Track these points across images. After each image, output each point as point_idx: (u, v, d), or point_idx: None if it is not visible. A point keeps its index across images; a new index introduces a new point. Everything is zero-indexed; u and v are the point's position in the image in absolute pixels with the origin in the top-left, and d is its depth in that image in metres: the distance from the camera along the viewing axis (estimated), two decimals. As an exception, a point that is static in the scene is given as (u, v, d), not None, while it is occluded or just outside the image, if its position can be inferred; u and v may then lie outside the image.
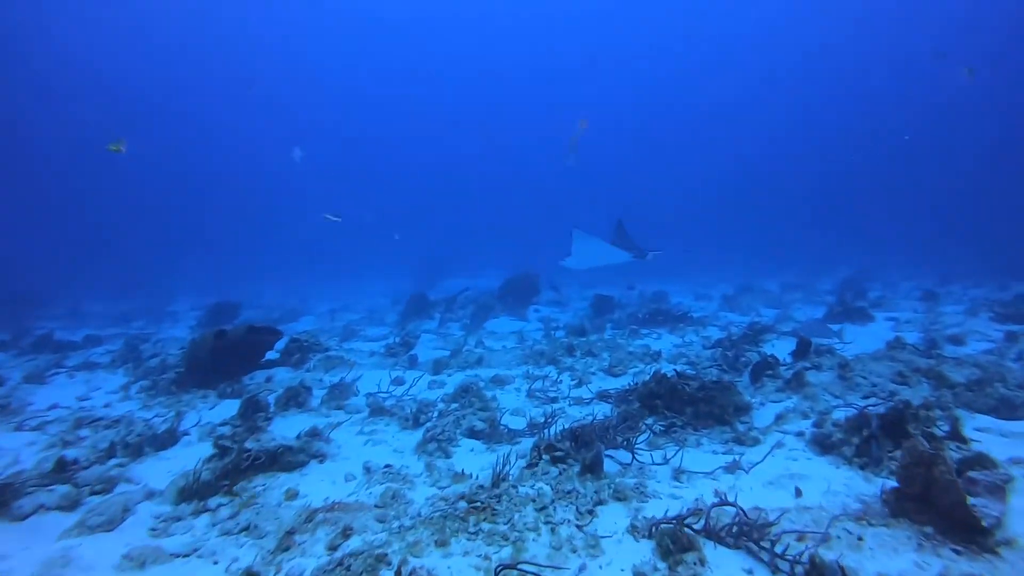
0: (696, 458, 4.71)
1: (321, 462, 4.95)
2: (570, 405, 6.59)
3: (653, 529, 3.14)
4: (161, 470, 4.92)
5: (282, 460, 4.66)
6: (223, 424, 6.04)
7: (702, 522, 3.17)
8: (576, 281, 28.81)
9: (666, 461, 4.49)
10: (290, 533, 3.40)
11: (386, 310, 18.50)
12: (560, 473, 4.13)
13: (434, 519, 3.25)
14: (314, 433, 5.40)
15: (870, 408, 4.84)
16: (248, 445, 4.62)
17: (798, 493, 3.83)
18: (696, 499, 3.73)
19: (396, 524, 3.39)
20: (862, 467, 4.20)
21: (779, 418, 5.53)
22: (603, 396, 6.74)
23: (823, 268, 29.26)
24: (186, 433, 5.83)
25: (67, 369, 9.09)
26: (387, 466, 4.68)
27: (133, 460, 5.21)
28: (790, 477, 4.11)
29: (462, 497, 3.51)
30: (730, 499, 3.57)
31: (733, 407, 5.71)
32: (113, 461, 5.16)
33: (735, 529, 3.07)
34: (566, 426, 5.13)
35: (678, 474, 4.29)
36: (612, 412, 6.13)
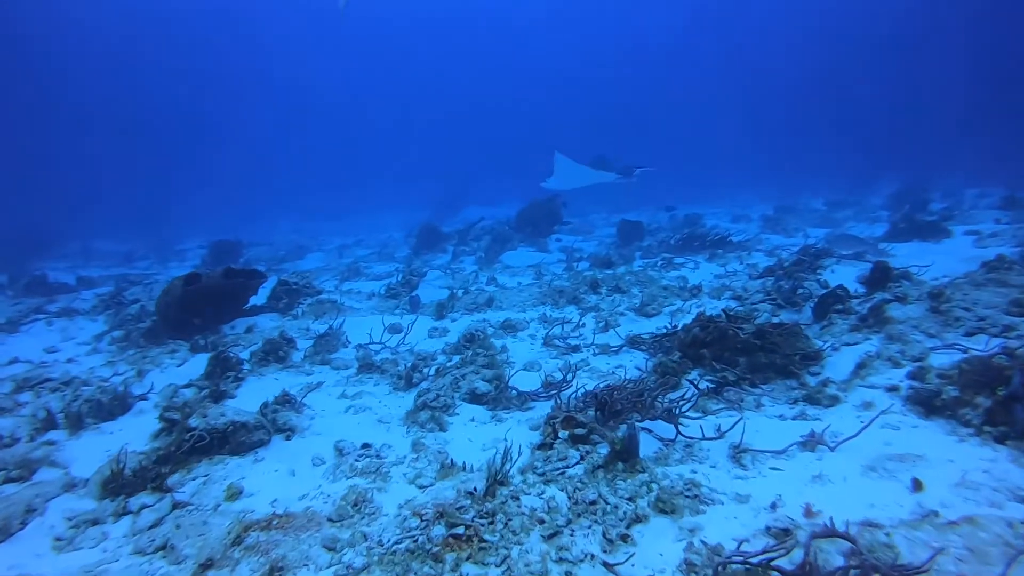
0: (760, 427, 3.66)
1: (288, 438, 4.04)
2: (595, 355, 5.55)
3: (720, 570, 2.11)
4: (98, 449, 4.08)
5: (235, 439, 3.74)
6: (188, 386, 5.17)
7: (794, 556, 2.13)
8: (603, 206, 27.37)
9: (721, 435, 3.45)
10: (205, 566, 2.47)
11: (398, 244, 17.49)
12: (582, 458, 3.12)
13: (397, 556, 2.27)
14: (285, 399, 4.48)
15: (984, 352, 3.67)
16: (192, 422, 3.69)
17: (917, 486, 2.76)
18: (773, 503, 2.69)
19: (347, 557, 2.42)
20: (1001, 440, 3.08)
21: (860, 367, 4.40)
22: (635, 342, 5.66)
23: (868, 183, 27.16)
24: (143, 397, 4.96)
25: (47, 315, 8.34)
26: (364, 446, 3.74)
27: (71, 435, 4.36)
28: (898, 459, 3.04)
29: (441, 515, 2.51)
30: (816, 503, 2.53)
31: (799, 354, 4.60)
32: (47, 436, 4.32)
33: None
34: (589, 388, 4.11)
35: (738, 454, 3.26)
36: (646, 364, 5.06)
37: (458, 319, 6.92)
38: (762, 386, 4.41)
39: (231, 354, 5.40)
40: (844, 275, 7.49)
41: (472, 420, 4.24)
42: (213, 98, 65.92)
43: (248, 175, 55.56)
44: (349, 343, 6.26)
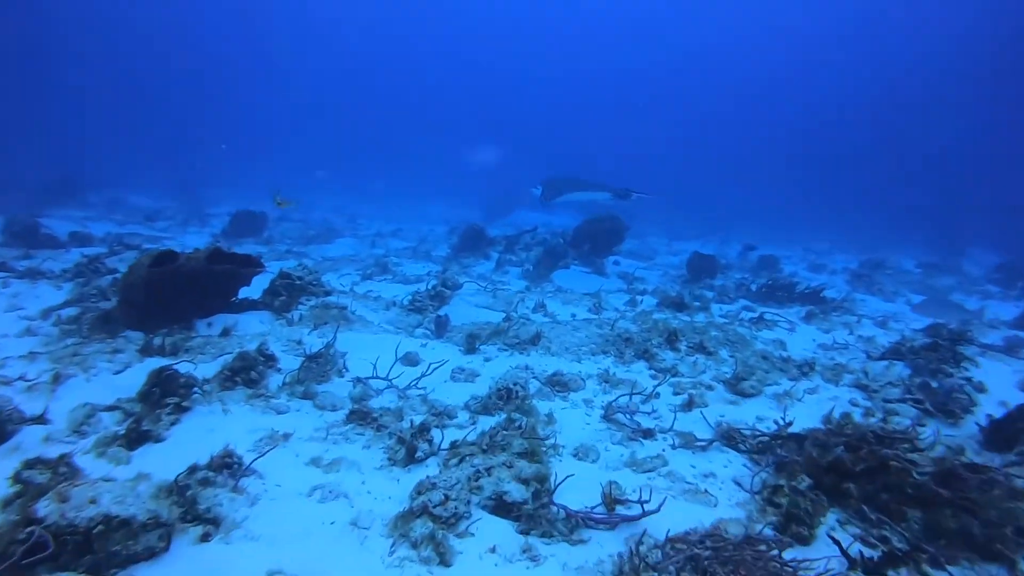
0: None
1: (205, 539, 2.64)
2: (674, 447, 4.00)
3: None
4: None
5: (104, 547, 2.34)
6: (112, 408, 3.84)
7: None
8: (663, 229, 25.62)
9: None
10: None
11: (439, 240, 16.17)
12: None
13: None
14: (225, 462, 3.10)
15: None
16: (40, 509, 2.32)
17: None
18: None
19: None
20: None
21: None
22: (730, 438, 4.09)
23: (954, 241, 24.73)
24: (40, 421, 3.64)
25: (7, 273, 7.20)
26: (312, 590, 2.29)
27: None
28: None
29: None
30: None
31: (1015, 527, 2.98)
32: None
33: None
34: (672, 532, 2.60)
35: None
36: (751, 480, 3.51)
37: (493, 358, 5.44)
38: (950, 568, 2.82)
39: (180, 371, 4.03)
40: (997, 375, 5.78)
41: (492, 551, 2.76)
42: (279, 59, 66.68)
43: (300, 144, 55.66)
44: (346, 371, 4.86)
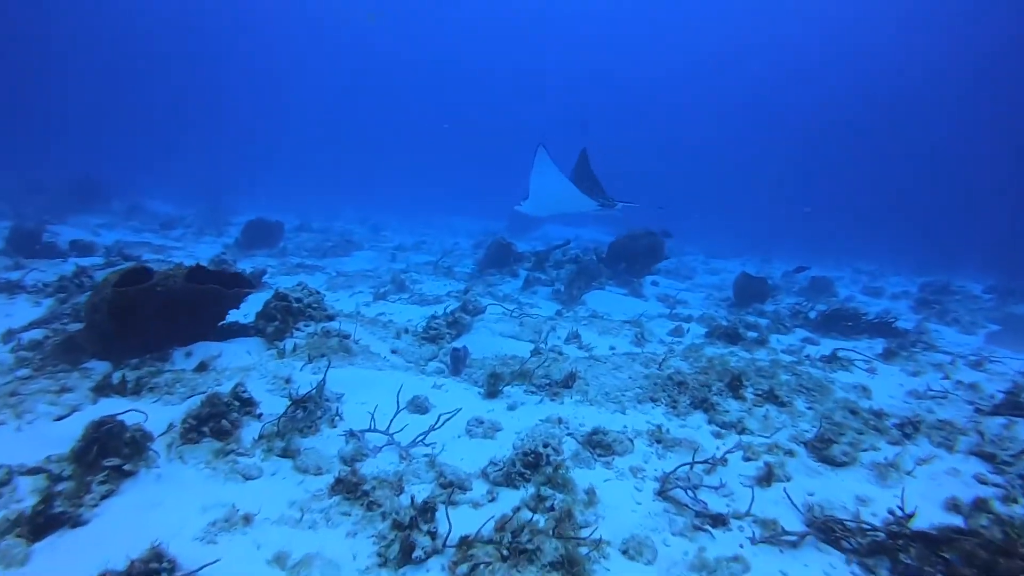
0: None
1: None
2: (755, 543, 3.06)
3: None
4: None
5: None
6: (34, 471, 3.06)
7: None
8: (696, 245, 24.48)
9: None
10: None
11: (463, 255, 15.42)
12: None
13: None
14: (149, 570, 2.27)
15: None
16: None
17: None
18: None
19: None
20: None
21: None
22: (828, 530, 3.13)
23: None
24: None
25: (-16, 290, 6.59)
26: None
27: None
28: None
29: None
30: None
31: None
32: None
33: None
34: None
35: None
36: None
37: (519, 404, 4.55)
38: None
39: (128, 423, 3.24)
40: None
41: None
42: (310, 70, 67.55)
43: (326, 154, 56.06)
44: (340, 419, 4.03)
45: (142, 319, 4.54)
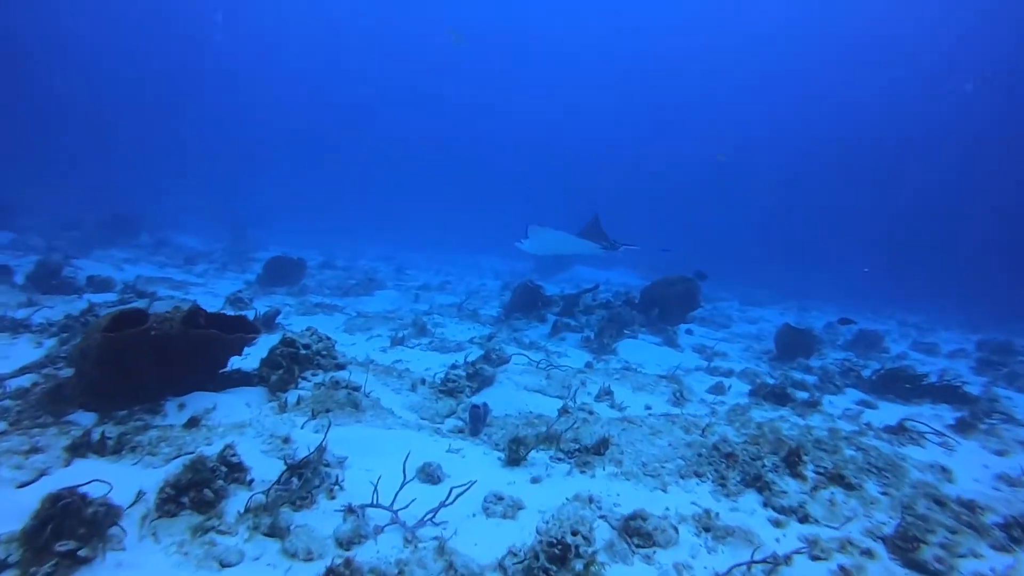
0: None
1: None
2: None
3: None
4: None
5: None
6: (-19, 551, 2.63)
7: None
8: (735, 293, 23.77)
9: None
10: None
11: (490, 296, 15.02)
12: None
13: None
14: None
15: None
16: None
17: None
18: None
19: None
20: None
21: None
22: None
23: None
24: None
25: (-7, 324, 6.34)
26: None
27: None
28: None
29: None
30: None
31: None
32: None
33: None
34: None
35: None
36: None
37: (544, 476, 4.01)
38: None
39: (88, 500, 2.80)
40: None
41: None
42: (342, 107, 69.65)
43: (357, 192, 57.16)
44: (340, 489, 3.55)
45: (134, 367, 4.17)
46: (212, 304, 9.30)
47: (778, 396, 6.76)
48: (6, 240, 15.58)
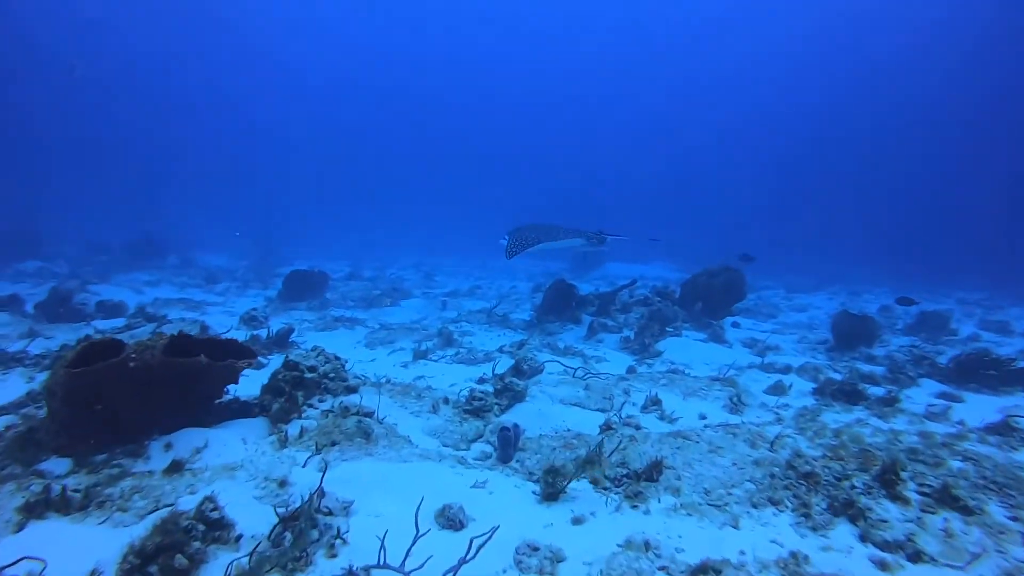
0: None
1: None
2: None
3: None
4: None
5: None
6: None
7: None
8: (776, 280, 22.70)
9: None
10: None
11: (521, 299, 14.39)
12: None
13: None
14: None
15: None
16: None
17: None
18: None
19: None
20: None
21: None
22: None
23: None
24: None
25: (-13, 357, 5.97)
26: None
27: None
28: None
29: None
30: None
31: None
32: None
33: None
34: None
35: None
36: None
37: (587, 515, 3.35)
38: None
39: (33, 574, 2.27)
40: None
41: None
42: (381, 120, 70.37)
43: (387, 203, 57.40)
44: (344, 542, 2.96)
45: (108, 404, 3.66)
46: (226, 323, 8.89)
47: (848, 394, 5.97)
48: (32, 268, 15.58)
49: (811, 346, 9.82)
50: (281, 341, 7.25)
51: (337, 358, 4.95)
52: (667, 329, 9.13)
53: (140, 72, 59.49)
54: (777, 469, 3.77)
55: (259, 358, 6.55)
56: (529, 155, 70.85)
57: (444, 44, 64.93)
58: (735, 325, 10.86)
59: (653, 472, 3.77)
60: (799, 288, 21.42)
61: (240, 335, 7.83)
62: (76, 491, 3.24)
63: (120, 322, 8.03)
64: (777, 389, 6.42)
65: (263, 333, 7.44)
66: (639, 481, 3.72)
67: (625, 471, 3.83)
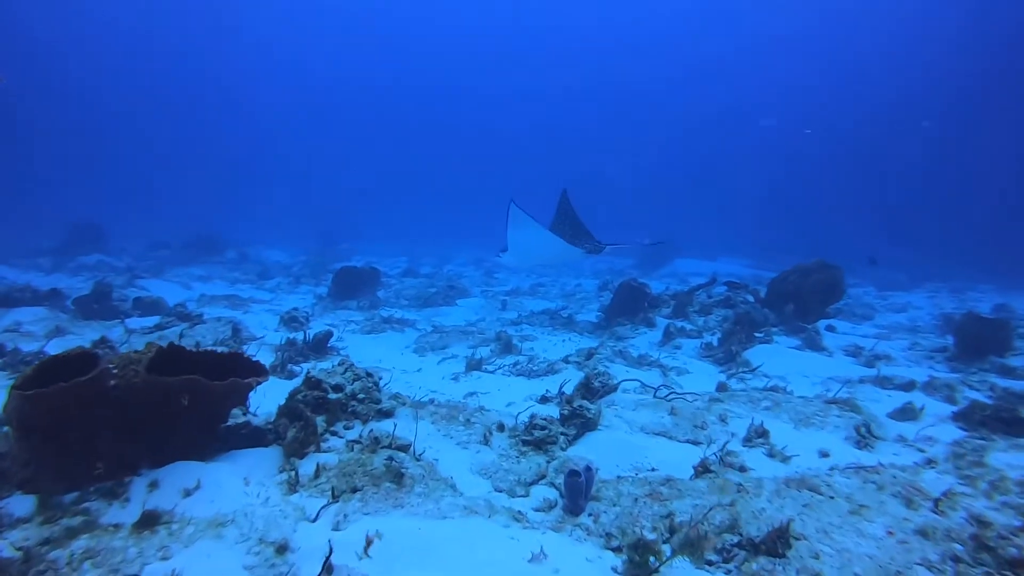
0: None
1: None
2: None
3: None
4: None
5: None
6: None
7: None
8: (862, 277, 20.72)
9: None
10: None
11: (587, 298, 13.41)
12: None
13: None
14: None
15: None
16: None
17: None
18: None
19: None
20: None
21: None
22: None
23: None
24: None
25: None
26: None
27: None
28: None
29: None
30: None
31: None
32: None
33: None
34: None
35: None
36: None
37: (692, 613, 2.40)
38: None
39: None
40: None
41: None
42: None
43: (448, 198, 57.50)
44: (352, 652, 2.10)
45: (78, 434, 2.95)
46: (267, 323, 8.31)
47: (1008, 423, 4.73)
48: (92, 261, 15.70)
49: (926, 354, 8.43)
50: (319, 346, 6.55)
51: (369, 374, 4.13)
52: (756, 334, 7.96)
53: (224, 80, 62.21)
54: (959, 547, 2.70)
55: (289, 367, 5.86)
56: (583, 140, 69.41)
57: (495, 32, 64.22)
58: (830, 329, 9.54)
59: (777, 544, 2.77)
60: (891, 284, 19.45)
61: (278, 337, 7.21)
62: (19, 549, 2.53)
63: (153, 320, 7.55)
64: (906, 413, 5.23)
65: (300, 336, 6.77)
66: (757, 555, 2.73)
67: (737, 539, 2.84)
